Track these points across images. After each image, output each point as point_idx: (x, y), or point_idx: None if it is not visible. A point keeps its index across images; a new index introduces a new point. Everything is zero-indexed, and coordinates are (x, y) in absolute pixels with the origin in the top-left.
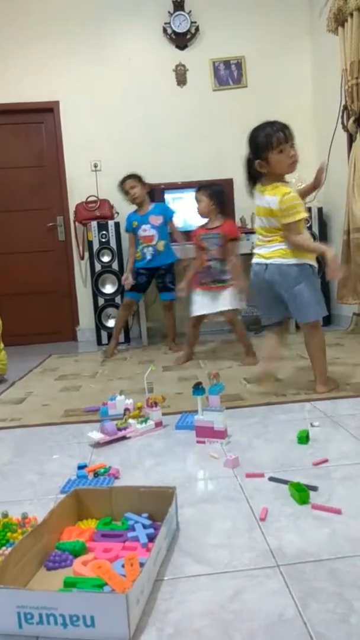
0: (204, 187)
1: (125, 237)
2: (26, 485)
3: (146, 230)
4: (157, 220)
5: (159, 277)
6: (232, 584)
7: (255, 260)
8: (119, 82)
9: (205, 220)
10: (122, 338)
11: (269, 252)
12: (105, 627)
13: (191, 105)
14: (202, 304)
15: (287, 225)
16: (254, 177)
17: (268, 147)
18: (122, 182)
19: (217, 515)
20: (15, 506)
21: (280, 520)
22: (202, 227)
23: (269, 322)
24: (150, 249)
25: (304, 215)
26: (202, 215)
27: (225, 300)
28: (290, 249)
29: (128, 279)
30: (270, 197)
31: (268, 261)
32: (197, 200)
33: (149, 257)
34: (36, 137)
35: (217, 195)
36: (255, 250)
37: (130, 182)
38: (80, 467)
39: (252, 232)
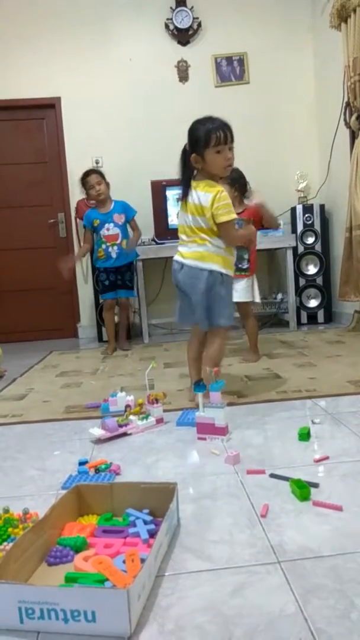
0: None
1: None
2: (27, 481)
3: (109, 230)
4: (121, 218)
5: (119, 274)
6: (233, 579)
7: (175, 257)
8: (121, 78)
9: None
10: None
11: (187, 251)
12: (107, 622)
13: (193, 101)
14: None
15: (222, 225)
16: (189, 170)
17: (205, 143)
18: (87, 176)
19: (218, 511)
20: (16, 502)
21: (281, 516)
22: None
23: (184, 322)
24: (116, 247)
25: (235, 215)
26: None
27: (243, 291)
28: (207, 253)
29: (69, 263)
30: (202, 193)
31: (184, 261)
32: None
33: (114, 256)
34: (38, 133)
35: (237, 181)
36: (178, 248)
37: (96, 177)
38: (82, 463)
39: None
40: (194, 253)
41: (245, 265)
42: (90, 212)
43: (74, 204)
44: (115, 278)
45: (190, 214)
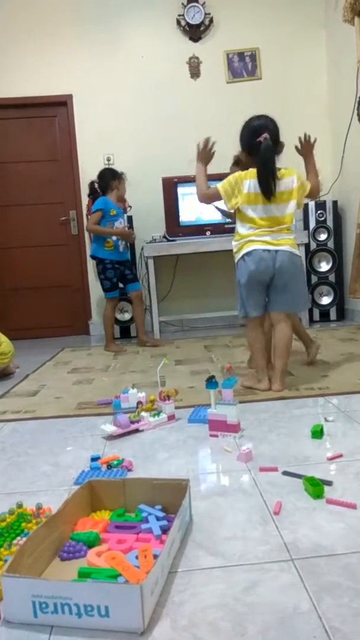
0: None
1: (141, 229)
2: (40, 477)
3: (122, 223)
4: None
5: (127, 269)
6: (246, 576)
7: (259, 246)
8: (132, 75)
9: None
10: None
11: (276, 240)
12: (120, 617)
13: (205, 98)
14: None
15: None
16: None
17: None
18: (120, 176)
19: (230, 508)
20: (29, 497)
21: (295, 514)
22: None
23: (258, 313)
24: (124, 242)
25: None
26: None
27: None
28: (293, 240)
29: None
30: (289, 177)
31: (278, 248)
32: None
33: (122, 249)
34: (49, 130)
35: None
36: (254, 238)
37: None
38: (94, 459)
39: None
40: (287, 240)
41: None
42: (108, 201)
43: (86, 202)
44: (121, 273)
45: (280, 203)
